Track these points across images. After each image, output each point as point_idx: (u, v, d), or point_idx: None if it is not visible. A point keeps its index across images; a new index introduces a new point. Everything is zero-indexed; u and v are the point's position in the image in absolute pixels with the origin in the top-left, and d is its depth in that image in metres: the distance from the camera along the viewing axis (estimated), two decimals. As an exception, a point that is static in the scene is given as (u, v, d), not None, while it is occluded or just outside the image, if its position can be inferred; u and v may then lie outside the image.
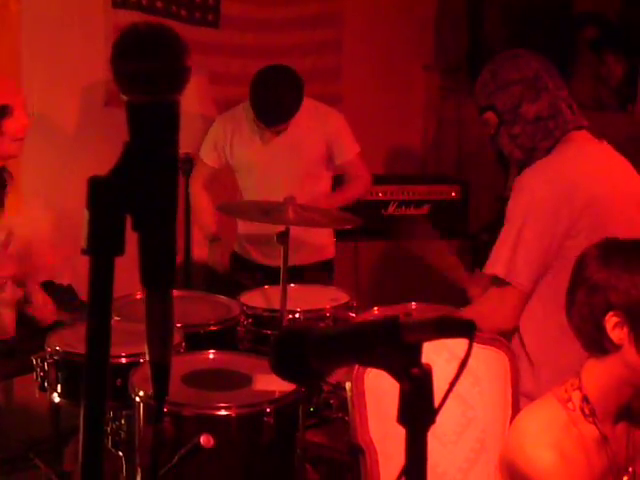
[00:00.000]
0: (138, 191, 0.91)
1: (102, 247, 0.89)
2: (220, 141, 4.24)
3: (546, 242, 2.61)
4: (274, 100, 3.96)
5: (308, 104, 4.13)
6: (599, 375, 2.04)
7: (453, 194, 5.44)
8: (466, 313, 2.51)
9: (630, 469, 2.11)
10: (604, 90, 5.58)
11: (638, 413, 2.15)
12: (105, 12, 4.50)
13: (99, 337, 0.87)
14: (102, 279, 0.87)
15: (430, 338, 1.22)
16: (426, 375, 1.18)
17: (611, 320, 1.98)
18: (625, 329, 1.97)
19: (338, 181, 4.37)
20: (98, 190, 0.90)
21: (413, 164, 5.99)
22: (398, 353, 1.17)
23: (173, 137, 0.93)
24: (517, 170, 2.86)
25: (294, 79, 4.01)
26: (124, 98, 0.94)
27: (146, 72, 0.94)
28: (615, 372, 2.02)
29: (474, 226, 5.40)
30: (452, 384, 1.20)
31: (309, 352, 1.20)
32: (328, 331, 1.27)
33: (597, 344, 2.02)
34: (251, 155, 4.19)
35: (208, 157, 4.28)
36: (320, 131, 4.17)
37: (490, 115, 2.80)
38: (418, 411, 1.19)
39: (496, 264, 2.66)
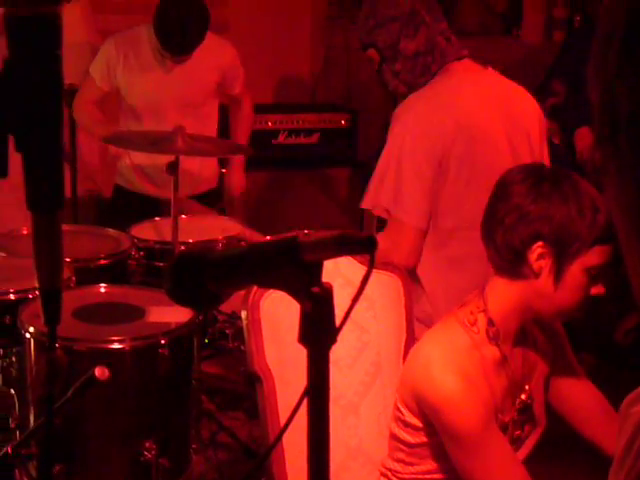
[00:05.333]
0: (19, 109, 0.85)
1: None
2: (112, 60, 4.01)
3: (427, 175, 2.62)
4: (181, 29, 3.83)
5: None
6: (505, 297, 2.05)
7: (342, 122, 5.43)
8: None
9: (526, 387, 2.16)
10: (490, 16, 5.62)
11: (530, 334, 2.20)
12: None
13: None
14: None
15: (330, 256, 1.21)
16: (327, 294, 1.17)
17: (537, 250, 1.97)
18: (549, 260, 1.98)
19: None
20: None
21: (302, 92, 5.94)
22: (298, 273, 1.15)
23: (55, 51, 0.87)
24: None
25: (200, 6, 3.90)
26: (2, 10, 0.88)
27: None
28: (523, 296, 2.03)
29: (363, 154, 5.41)
30: (355, 299, 1.19)
31: (206, 275, 1.17)
32: (226, 253, 1.24)
33: (512, 268, 2.02)
34: (148, 82, 4.04)
35: (98, 75, 4.04)
36: (215, 63, 4.12)
37: (372, 52, 2.79)
38: (319, 331, 1.17)
39: (378, 198, 2.65)
